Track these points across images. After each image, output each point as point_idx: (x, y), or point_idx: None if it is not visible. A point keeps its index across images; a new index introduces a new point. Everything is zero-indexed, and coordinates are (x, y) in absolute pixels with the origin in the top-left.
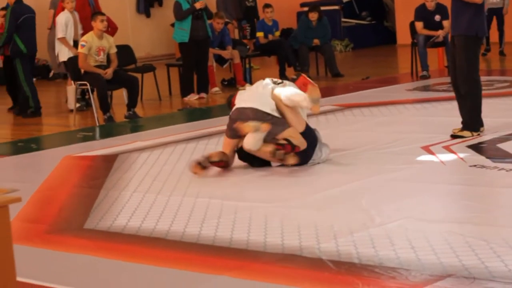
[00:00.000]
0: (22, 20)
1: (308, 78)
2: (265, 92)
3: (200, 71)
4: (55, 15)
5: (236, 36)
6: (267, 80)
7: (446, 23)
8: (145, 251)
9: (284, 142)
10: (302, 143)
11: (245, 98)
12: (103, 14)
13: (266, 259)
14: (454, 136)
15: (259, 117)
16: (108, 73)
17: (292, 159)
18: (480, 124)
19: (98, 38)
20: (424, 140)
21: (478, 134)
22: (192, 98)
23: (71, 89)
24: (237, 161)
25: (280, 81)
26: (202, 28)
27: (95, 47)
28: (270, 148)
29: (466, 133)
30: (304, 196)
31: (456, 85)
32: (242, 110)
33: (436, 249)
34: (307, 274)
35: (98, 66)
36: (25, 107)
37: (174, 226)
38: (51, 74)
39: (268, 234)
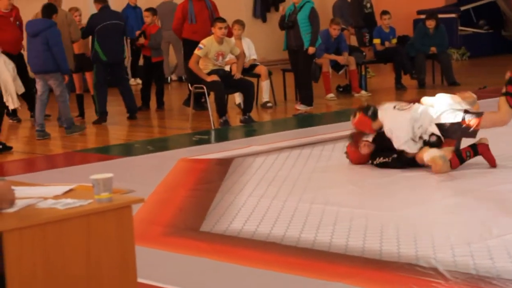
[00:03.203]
0: (101, 28)
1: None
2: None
3: (298, 80)
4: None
5: (352, 43)
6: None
7: None
8: (261, 256)
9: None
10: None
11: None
12: (223, 21)
13: (381, 266)
14: None
15: None
16: (236, 75)
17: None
18: None
19: (217, 43)
20: None
21: None
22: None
23: (266, 84)
24: (348, 170)
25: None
26: (295, 38)
27: (214, 52)
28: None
29: None
30: (420, 206)
31: None
32: None
33: None
34: (423, 283)
35: (216, 70)
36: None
37: (289, 231)
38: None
39: (384, 242)
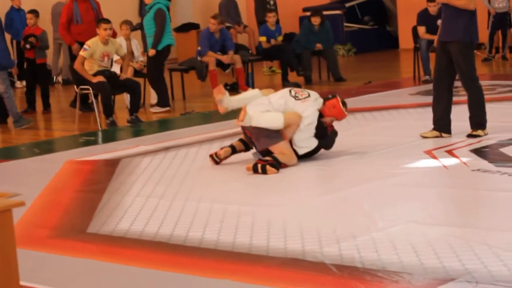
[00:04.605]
0: None
1: (340, 104)
2: (276, 102)
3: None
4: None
5: (239, 41)
6: (287, 93)
7: None
8: (148, 255)
9: (269, 159)
10: (290, 160)
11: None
12: (108, 22)
13: (268, 263)
14: (470, 136)
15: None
16: (122, 76)
17: (271, 171)
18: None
19: (102, 44)
20: (426, 144)
21: (486, 134)
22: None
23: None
24: (239, 166)
25: (302, 96)
26: (144, 41)
27: (99, 52)
28: (250, 165)
29: (480, 132)
30: (307, 200)
31: (439, 88)
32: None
33: (438, 253)
34: (310, 278)
35: (102, 71)
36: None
37: (176, 230)
38: (57, 79)
39: (271, 238)
